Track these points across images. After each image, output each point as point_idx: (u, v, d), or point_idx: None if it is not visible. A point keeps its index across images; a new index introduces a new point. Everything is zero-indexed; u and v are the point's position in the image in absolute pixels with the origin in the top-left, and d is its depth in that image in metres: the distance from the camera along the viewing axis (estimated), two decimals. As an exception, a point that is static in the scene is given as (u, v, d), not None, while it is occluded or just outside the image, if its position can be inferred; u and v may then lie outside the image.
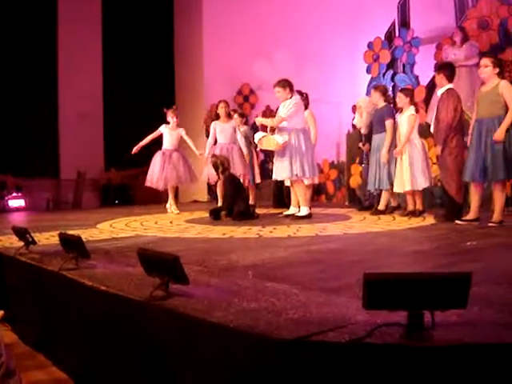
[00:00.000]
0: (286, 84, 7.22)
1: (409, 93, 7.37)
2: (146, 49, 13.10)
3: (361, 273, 2.12)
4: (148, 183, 9.03)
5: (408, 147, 7.10)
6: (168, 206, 8.97)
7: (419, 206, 7.22)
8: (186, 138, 9.00)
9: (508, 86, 5.82)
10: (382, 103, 7.65)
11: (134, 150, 9.08)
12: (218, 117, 8.86)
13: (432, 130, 6.59)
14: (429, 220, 6.62)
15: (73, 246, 3.90)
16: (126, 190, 12.61)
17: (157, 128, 9.00)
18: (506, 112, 5.72)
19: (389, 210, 7.53)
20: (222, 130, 8.71)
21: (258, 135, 7.28)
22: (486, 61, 5.94)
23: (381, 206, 7.60)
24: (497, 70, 5.87)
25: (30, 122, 11.95)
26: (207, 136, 11.20)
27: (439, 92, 6.51)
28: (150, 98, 13.08)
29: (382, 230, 5.93)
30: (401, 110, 7.31)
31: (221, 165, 7.72)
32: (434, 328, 2.06)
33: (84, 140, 12.05)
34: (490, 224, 5.86)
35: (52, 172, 12.14)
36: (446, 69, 6.51)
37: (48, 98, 12.17)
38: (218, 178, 7.97)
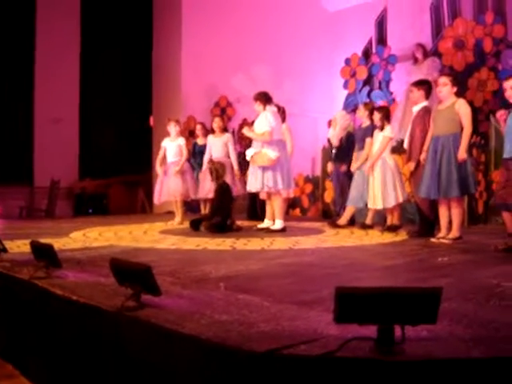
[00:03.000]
0: (257, 97, 7.31)
1: (383, 111, 7.42)
2: (123, 58, 13.07)
3: (333, 286, 2.14)
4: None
5: (380, 165, 7.17)
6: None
7: (396, 221, 7.28)
8: (183, 149, 8.93)
9: (465, 104, 5.92)
10: (367, 122, 7.66)
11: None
12: (213, 131, 8.95)
13: (405, 145, 6.65)
14: (401, 236, 6.67)
15: (44, 254, 3.86)
16: (101, 199, 12.52)
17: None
18: (462, 130, 5.82)
19: (385, 227, 7.33)
20: (213, 144, 8.77)
21: (250, 152, 7.20)
22: (444, 79, 6.01)
23: (368, 221, 7.61)
24: (455, 88, 5.96)
25: (4, 127, 11.82)
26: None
27: (415, 108, 6.56)
28: (127, 108, 13.04)
29: (354, 245, 5.96)
30: (380, 128, 7.33)
31: (215, 171, 7.66)
32: (404, 342, 2.08)
33: (59, 148, 11.96)
34: (445, 240, 5.91)
35: (25, 179, 12.01)
36: (426, 86, 6.56)
37: (23, 104, 12.06)
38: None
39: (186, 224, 7.86)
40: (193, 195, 9.01)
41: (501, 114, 5.51)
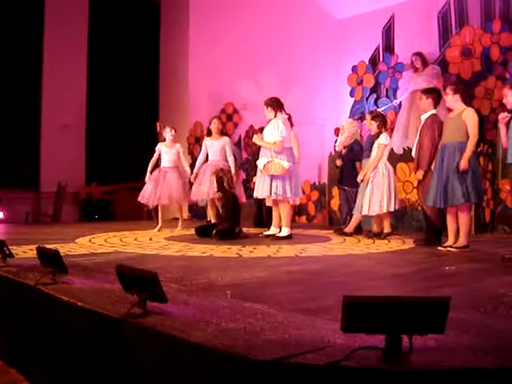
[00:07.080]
0: (269, 103, 7.22)
1: (378, 119, 7.41)
2: (131, 64, 13.08)
3: (340, 295, 2.13)
4: (139, 198, 8.91)
5: (371, 173, 7.20)
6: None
7: (387, 229, 7.34)
8: (181, 156, 8.84)
9: (471, 113, 5.90)
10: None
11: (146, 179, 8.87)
12: (210, 133, 8.64)
13: (413, 154, 6.63)
14: (408, 244, 6.65)
15: (50, 260, 3.86)
16: (107, 205, 12.52)
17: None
18: (468, 139, 5.81)
19: (383, 235, 7.33)
20: (211, 146, 8.48)
21: (263, 161, 7.08)
22: (447, 89, 6.10)
23: (375, 229, 7.59)
24: (456, 96, 5.96)
25: (11, 132, 11.85)
26: (189, 154, 11.14)
27: (423, 117, 6.53)
28: (134, 114, 13.06)
29: (361, 253, 5.94)
30: (376, 136, 7.34)
31: (226, 181, 7.62)
32: (411, 352, 2.06)
33: (66, 153, 11.95)
34: (453, 249, 5.89)
35: (32, 184, 12.01)
36: (435, 94, 6.54)
37: (30, 109, 12.08)
38: (218, 192, 7.76)
39: (192, 231, 7.82)
40: (177, 201, 8.90)
41: (503, 116, 5.46)
